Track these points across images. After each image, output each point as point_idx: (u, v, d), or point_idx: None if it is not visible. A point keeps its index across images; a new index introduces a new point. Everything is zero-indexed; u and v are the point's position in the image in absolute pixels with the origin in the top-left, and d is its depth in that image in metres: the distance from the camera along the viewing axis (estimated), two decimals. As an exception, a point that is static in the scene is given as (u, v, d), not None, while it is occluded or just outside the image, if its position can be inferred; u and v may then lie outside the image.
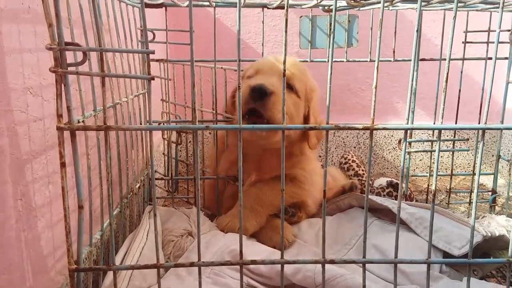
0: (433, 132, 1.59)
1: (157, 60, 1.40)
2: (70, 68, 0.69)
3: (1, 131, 0.72)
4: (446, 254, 1.18)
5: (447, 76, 0.75)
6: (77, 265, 0.74)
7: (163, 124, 1.37)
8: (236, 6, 1.28)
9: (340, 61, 1.45)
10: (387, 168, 2.23)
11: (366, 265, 1.17)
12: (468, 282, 0.80)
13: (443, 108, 0.76)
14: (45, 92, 0.86)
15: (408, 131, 0.77)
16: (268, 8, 1.36)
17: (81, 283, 0.75)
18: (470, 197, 1.61)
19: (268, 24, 2.05)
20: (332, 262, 0.80)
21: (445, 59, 1.39)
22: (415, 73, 0.76)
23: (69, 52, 0.71)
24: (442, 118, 0.77)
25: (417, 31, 0.75)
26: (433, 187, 0.79)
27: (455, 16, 0.73)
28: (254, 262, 0.81)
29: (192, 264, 0.76)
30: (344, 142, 2.21)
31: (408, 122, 0.80)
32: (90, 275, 0.86)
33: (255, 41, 2.07)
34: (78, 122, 0.76)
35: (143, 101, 1.32)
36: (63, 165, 0.70)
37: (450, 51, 0.75)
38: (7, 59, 0.74)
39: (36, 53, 0.83)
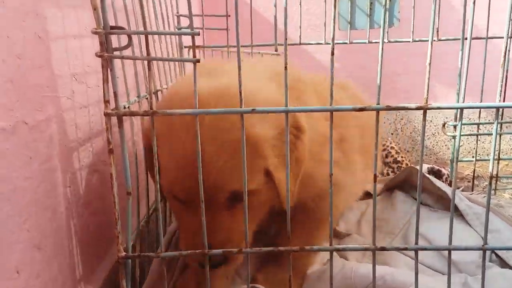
0: (480, 114, 1.52)
1: (195, 47, 1.38)
2: (115, 53, 0.68)
3: (49, 118, 0.72)
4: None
5: (505, 51, 0.71)
6: (126, 252, 0.73)
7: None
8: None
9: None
10: (427, 154, 2.17)
11: (410, 253, 1.15)
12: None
13: (502, 85, 0.72)
14: (89, 79, 0.86)
15: (458, 112, 0.73)
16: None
17: (129, 270, 0.75)
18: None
19: (302, 8, 2.01)
20: (383, 249, 0.78)
21: (491, 38, 1.33)
22: (466, 51, 0.73)
23: (113, 37, 0.70)
24: (501, 95, 0.73)
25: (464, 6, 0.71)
26: (490, 169, 0.75)
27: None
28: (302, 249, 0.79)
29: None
30: (381, 128, 2.16)
31: (458, 100, 0.76)
32: (137, 262, 0.86)
33: (289, 25, 2.03)
34: (124, 108, 0.76)
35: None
36: (111, 151, 0.69)
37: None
38: (52, 45, 0.74)
39: (80, 39, 0.83)
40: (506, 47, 0.72)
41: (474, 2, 0.70)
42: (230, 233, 0.79)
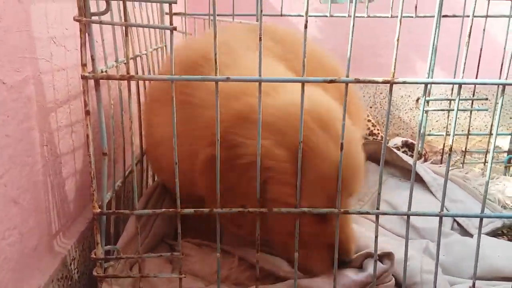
0: (452, 91, 1.57)
1: (175, 14, 1.39)
2: (93, 18, 0.70)
3: (27, 79, 0.74)
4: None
5: (470, 31, 0.74)
6: (101, 209, 0.77)
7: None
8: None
9: (361, 17, 1.42)
10: (403, 128, 2.22)
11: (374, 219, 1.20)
12: (479, 237, 0.82)
13: (465, 62, 0.76)
14: (68, 42, 0.87)
15: (428, 88, 0.77)
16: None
17: (104, 227, 0.79)
18: (486, 157, 1.61)
19: (287, -21, 2.01)
20: (346, 212, 0.82)
21: (468, 16, 1.35)
22: (437, 29, 0.76)
23: (92, 2, 0.72)
24: (463, 72, 0.77)
25: (441, -17, 0.74)
26: (450, 142, 0.79)
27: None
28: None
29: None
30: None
31: (428, 76, 0.80)
32: (112, 221, 0.90)
33: (274, -4, 2.03)
34: (102, 72, 0.78)
35: (162, 55, 1.33)
36: (87, 113, 0.72)
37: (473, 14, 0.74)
38: (32, 8, 0.75)
39: (59, 2, 0.84)
40: (471, 26, 0.75)
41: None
42: None
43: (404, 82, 0.75)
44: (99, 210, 0.77)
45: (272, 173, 0.80)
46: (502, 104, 0.77)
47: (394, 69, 0.74)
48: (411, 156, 1.58)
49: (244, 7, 1.39)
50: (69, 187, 0.90)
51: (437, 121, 2.19)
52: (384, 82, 0.75)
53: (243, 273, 0.92)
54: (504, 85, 0.76)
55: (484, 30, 1.45)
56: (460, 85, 0.76)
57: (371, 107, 2.21)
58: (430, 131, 2.18)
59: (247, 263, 0.94)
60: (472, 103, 1.51)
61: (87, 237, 0.94)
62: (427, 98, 1.25)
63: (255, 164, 0.72)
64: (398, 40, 0.73)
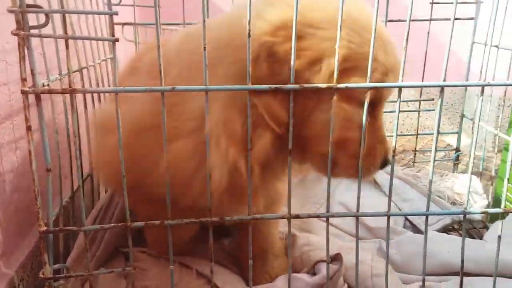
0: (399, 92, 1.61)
1: (124, 24, 1.38)
2: (32, 31, 0.68)
3: (-35, 96, 0.72)
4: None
5: (407, 37, 0.77)
6: (47, 227, 0.75)
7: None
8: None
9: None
10: (357, 129, 2.27)
11: (334, 220, 1.23)
12: (426, 234, 0.85)
13: (403, 67, 0.78)
14: (8, 56, 0.85)
15: (370, 91, 0.79)
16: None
17: (51, 245, 0.77)
18: (435, 155, 1.66)
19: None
20: (297, 217, 0.83)
21: (413, 21, 1.40)
22: (374, 29, 0.78)
23: (32, 15, 0.70)
24: (403, 76, 0.79)
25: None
26: (393, 144, 0.82)
27: (415, -24, 0.75)
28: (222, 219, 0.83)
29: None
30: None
31: (369, 81, 0.82)
32: (61, 239, 0.88)
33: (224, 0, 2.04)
34: (43, 86, 0.76)
35: (112, 66, 1.31)
36: (29, 128, 0.70)
37: (410, 17, 0.76)
38: (-33, 22, 0.73)
39: (-3, 15, 0.82)
40: (408, 31, 0.77)
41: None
42: None
43: (346, 88, 0.77)
44: (45, 228, 0.75)
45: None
46: (441, 105, 0.80)
47: (337, 74, 0.76)
48: (365, 157, 1.62)
49: (194, 13, 1.39)
50: (15, 205, 0.88)
51: (390, 122, 2.25)
52: (328, 87, 0.76)
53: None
54: (442, 86, 0.79)
55: (428, 33, 1.51)
56: (400, 88, 0.79)
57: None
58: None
59: (206, 278, 0.93)
60: (419, 103, 1.56)
61: (36, 256, 0.91)
62: (376, 101, 1.29)
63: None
64: (338, 47, 0.75)
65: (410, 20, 0.76)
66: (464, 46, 1.51)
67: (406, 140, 2.12)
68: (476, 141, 1.40)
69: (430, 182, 0.84)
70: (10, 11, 0.65)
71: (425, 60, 1.53)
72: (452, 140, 2.07)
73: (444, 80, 0.80)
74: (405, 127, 2.33)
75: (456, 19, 1.42)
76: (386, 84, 0.83)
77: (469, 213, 0.85)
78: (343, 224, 1.20)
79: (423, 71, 1.55)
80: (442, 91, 0.80)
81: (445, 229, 1.25)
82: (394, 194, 1.30)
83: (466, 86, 0.79)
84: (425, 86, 0.82)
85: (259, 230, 0.96)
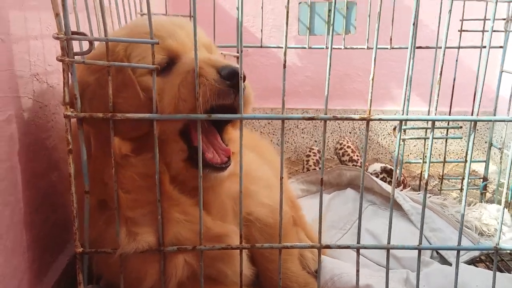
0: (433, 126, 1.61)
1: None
2: (76, 57, 0.71)
3: (10, 118, 0.74)
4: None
5: (441, 70, 0.77)
6: (83, 248, 0.77)
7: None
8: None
9: (338, 48, 1.46)
10: (382, 153, 2.26)
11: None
12: (457, 269, 0.84)
13: (437, 100, 0.79)
14: (50, 78, 0.88)
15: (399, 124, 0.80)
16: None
17: (86, 265, 0.78)
18: (462, 183, 1.65)
19: (266, 7, 2.05)
20: (327, 247, 0.84)
21: (440, 47, 1.40)
22: (411, 63, 0.79)
23: (75, 42, 0.73)
24: (436, 110, 0.79)
25: (413, 24, 0.77)
26: (425, 175, 0.82)
27: (450, 10, 0.76)
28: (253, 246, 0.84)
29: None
30: (339, 127, 2.23)
31: (403, 112, 0.83)
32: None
33: (253, 25, 2.07)
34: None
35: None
36: (70, 151, 0.72)
37: (444, 51, 0.77)
38: (14, 47, 0.76)
39: (42, 39, 0.85)
40: (442, 65, 0.78)
41: (414, 24, 0.76)
42: None
43: (380, 119, 0.77)
44: (81, 249, 0.76)
45: None
46: (473, 139, 0.80)
47: (370, 106, 0.77)
48: (390, 182, 1.61)
49: (225, 38, 1.42)
50: (51, 224, 0.90)
51: (414, 145, 2.24)
52: (361, 119, 0.77)
53: None
54: (475, 121, 0.79)
55: (456, 60, 1.50)
56: (433, 121, 0.79)
57: (350, 133, 2.24)
58: (408, 156, 2.22)
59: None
60: (447, 131, 1.55)
61: (68, 274, 0.93)
62: (403, 127, 1.29)
63: None
64: (372, 79, 0.75)
65: (438, 48, 0.76)
66: (493, 72, 1.50)
67: (430, 165, 2.11)
68: (502, 170, 1.38)
69: (462, 216, 0.83)
70: (56, 38, 0.68)
71: (453, 88, 1.53)
72: (478, 166, 2.05)
73: (478, 115, 0.80)
74: (427, 149, 2.31)
75: (485, 47, 1.42)
76: (418, 117, 0.84)
77: (501, 249, 0.85)
78: (369, 252, 1.19)
79: (451, 98, 1.55)
80: (474, 126, 0.80)
81: (473, 261, 1.23)
82: (421, 223, 1.29)
83: (496, 121, 0.79)
84: (457, 120, 0.83)
85: (275, 270, 0.90)
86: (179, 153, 0.80)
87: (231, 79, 0.75)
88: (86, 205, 0.75)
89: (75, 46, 0.73)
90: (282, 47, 1.54)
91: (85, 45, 0.77)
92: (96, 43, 0.82)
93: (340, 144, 1.93)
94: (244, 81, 0.75)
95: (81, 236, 0.75)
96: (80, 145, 0.73)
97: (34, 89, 0.82)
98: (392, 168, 1.71)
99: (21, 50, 0.78)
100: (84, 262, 0.77)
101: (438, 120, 0.79)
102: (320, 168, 1.75)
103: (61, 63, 0.69)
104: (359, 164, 1.84)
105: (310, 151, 1.88)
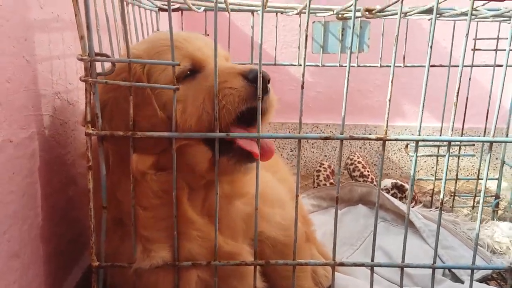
0: (441, 131, 1.61)
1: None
2: (99, 78, 0.72)
3: (32, 135, 0.76)
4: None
5: (458, 92, 0.78)
6: (99, 261, 0.78)
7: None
8: (252, 11, 1.32)
9: (352, 66, 1.47)
10: (392, 169, 2.26)
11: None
12: (471, 286, 0.84)
13: (454, 120, 0.79)
14: (70, 96, 0.90)
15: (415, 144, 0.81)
16: (286, 15, 1.38)
17: (102, 278, 0.79)
18: (474, 200, 1.64)
19: (279, 24, 2.07)
20: (341, 264, 0.85)
21: (454, 66, 1.42)
22: (425, 85, 0.80)
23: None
24: (452, 130, 0.80)
25: (430, 47, 0.78)
26: (441, 196, 0.82)
27: (467, 34, 0.77)
28: (268, 263, 0.85)
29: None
30: (350, 143, 2.24)
31: (419, 133, 0.83)
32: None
33: (265, 41, 2.09)
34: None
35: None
36: (90, 168, 0.74)
37: (461, 73, 0.78)
38: (39, 67, 0.78)
39: (64, 59, 0.87)
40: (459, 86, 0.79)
41: (431, 47, 0.77)
42: None
43: (396, 139, 0.78)
44: (98, 263, 0.78)
45: None
46: (489, 160, 0.81)
47: (387, 127, 0.78)
48: (401, 198, 1.61)
49: (239, 55, 1.43)
50: (67, 238, 0.91)
51: (425, 161, 2.24)
52: (378, 139, 0.78)
53: None
54: (491, 142, 0.80)
55: (469, 79, 1.51)
56: (449, 142, 0.80)
57: (360, 148, 2.25)
58: (418, 172, 2.22)
59: None
60: (459, 148, 1.55)
61: (83, 287, 0.94)
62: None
63: None
64: (390, 100, 0.77)
65: (452, 66, 0.78)
66: (505, 89, 1.50)
67: (439, 182, 2.10)
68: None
69: (477, 236, 0.83)
70: (80, 60, 0.70)
71: (465, 106, 1.53)
72: (489, 183, 2.04)
73: (493, 136, 0.80)
74: (439, 167, 2.31)
75: (498, 65, 1.43)
76: (435, 137, 0.84)
77: (516, 269, 0.85)
78: (381, 269, 1.19)
79: (464, 116, 1.55)
80: (490, 147, 0.80)
81: (485, 279, 1.23)
82: (434, 241, 1.28)
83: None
84: (473, 141, 0.83)
85: (289, 286, 0.88)
86: (205, 154, 0.79)
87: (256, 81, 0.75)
88: (103, 220, 0.76)
89: (97, 65, 0.75)
90: (295, 65, 1.57)
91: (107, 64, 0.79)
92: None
93: (351, 160, 1.94)
94: (268, 83, 0.79)
95: (97, 250, 0.77)
96: (99, 162, 0.74)
97: (55, 106, 0.84)
98: (403, 184, 1.71)
99: (44, 69, 0.80)
100: (100, 276, 0.78)
101: (454, 141, 0.80)
102: (330, 184, 1.77)
103: (81, 82, 0.71)
104: (369, 179, 1.84)
105: (320, 166, 1.88)
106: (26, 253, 0.76)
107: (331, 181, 1.80)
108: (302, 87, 0.76)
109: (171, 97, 0.74)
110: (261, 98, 0.75)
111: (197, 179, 0.82)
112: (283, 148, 2.24)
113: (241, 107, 0.76)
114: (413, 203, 1.63)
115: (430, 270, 1.16)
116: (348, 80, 0.77)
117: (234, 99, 0.76)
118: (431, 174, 1.77)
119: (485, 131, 1.54)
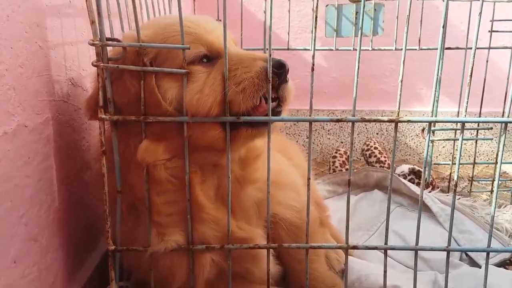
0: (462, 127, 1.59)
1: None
2: (110, 63, 0.73)
3: (47, 121, 0.77)
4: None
5: (471, 73, 0.77)
6: (115, 245, 0.79)
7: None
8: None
9: (366, 50, 1.46)
10: (410, 154, 2.24)
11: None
12: (486, 271, 0.83)
13: (467, 101, 0.78)
14: (84, 82, 0.91)
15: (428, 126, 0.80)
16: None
17: (118, 262, 0.81)
18: (492, 185, 1.62)
19: (292, 9, 2.06)
20: (355, 247, 0.84)
21: (470, 48, 1.39)
22: (440, 65, 0.78)
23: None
24: (466, 111, 0.79)
25: (443, 26, 0.77)
26: (455, 178, 0.82)
27: (480, 13, 0.75)
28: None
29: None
30: (366, 128, 2.22)
31: (432, 114, 0.82)
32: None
33: (279, 27, 2.08)
34: (117, 113, 0.80)
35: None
36: (103, 153, 0.75)
37: (475, 53, 0.76)
38: (52, 53, 0.79)
39: (76, 45, 0.88)
40: (472, 67, 0.78)
41: (443, 26, 0.76)
42: None
43: (408, 121, 0.78)
44: (113, 246, 0.79)
45: None
46: (504, 141, 0.79)
47: (399, 108, 0.77)
48: (418, 184, 1.60)
49: (251, 40, 1.43)
50: (84, 222, 0.93)
51: (443, 147, 2.21)
52: (390, 121, 0.77)
53: None
54: (506, 123, 0.78)
55: (487, 61, 1.48)
56: (463, 123, 0.79)
57: (377, 134, 2.23)
58: (436, 157, 2.19)
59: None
60: (477, 132, 1.53)
61: (101, 271, 0.96)
62: (432, 128, 1.28)
63: None
64: (401, 81, 0.76)
65: (468, 49, 0.76)
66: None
67: (460, 166, 2.08)
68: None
69: (492, 218, 0.82)
70: (92, 44, 0.71)
71: (483, 89, 1.51)
72: (508, 168, 2.01)
73: (508, 116, 0.79)
74: (457, 151, 2.28)
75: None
76: (447, 118, 0.83)
77: (533, 252, 0.84)
78: (397, 254, 1.19)
79: (481, 99, 1.52)
80: (505, 127, 0.79)
81: (503, 263, 1.21)
82: (450, 223, 1.28)
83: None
84: (487, 122, 0.82)
85: (302, 270, 0.88)
86: (221, 133, 0.78)
87: (279, 68, 0.77)
88: (118, 204, 0.77)
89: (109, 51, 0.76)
90: (309, 49, 1.56)
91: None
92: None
93: (367, 146, 1.93)
94: (288, 73, 0.80)
95: (113, 234, 0.78)
96: (112, 147, 0.75)
97: (69, 92, 0.85)
98: (420, 169, 1.69)
99: (57, 55, 0.81)
100: (116, 260, 0.80)
101: (468, 122, 0.78)
102: (346, 169, 1.77)
103: (94, 67, 0.72)
104: (386, 165, 1.83)
105: (336, 152, 1.87)
106: (44, 237, 0.78)
107: (347, 167, 1.79)
108: (313, 69, 0.75)
109: (177, 94, 0.75)
110: (271, 80, 0.75)
111: (210, 159, 0.82)
112: (299, 135, 2.24)
113: (259, 93, 0.76)
114: (430, 188, 1.61)
115: (445, 255, 1.16)
116: (359, 61, 0.76)
117: (253, 80, 0.76)
118: (449, 160, 1.74)
119: (503, 114, 1.51)
